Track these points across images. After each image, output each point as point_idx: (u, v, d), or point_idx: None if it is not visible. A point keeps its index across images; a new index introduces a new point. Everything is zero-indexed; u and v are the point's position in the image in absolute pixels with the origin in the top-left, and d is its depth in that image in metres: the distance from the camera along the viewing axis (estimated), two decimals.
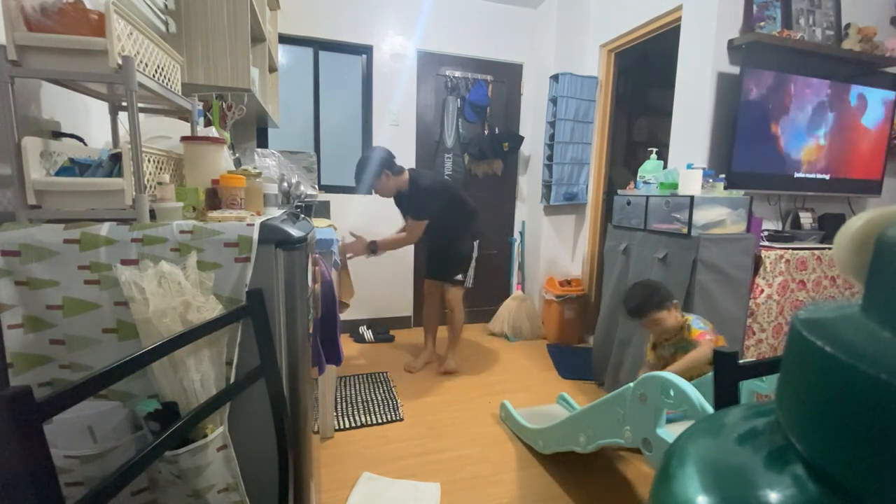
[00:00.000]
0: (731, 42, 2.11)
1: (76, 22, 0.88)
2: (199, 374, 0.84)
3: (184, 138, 1.19)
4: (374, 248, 2.46)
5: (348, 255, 2.45)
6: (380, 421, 2.06)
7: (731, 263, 1.86)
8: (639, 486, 1.65)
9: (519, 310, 3.28)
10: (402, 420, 2.08)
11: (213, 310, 0.87)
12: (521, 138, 3.41)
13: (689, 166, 1.97)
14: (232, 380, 0.91)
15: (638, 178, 2.27)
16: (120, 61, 0.86)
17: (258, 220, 0.96)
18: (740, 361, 0.81)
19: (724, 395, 0.79)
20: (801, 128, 2.19)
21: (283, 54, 2.89)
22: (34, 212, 0.87)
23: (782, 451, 0.36)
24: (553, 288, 3.13)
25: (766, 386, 1.30)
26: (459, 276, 2.64)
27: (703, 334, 1.58)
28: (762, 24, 2.13)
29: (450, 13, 3.20)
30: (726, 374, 0.79)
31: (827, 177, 2.29)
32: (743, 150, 2.09)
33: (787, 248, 2.06)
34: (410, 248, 3.36)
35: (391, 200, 3.30)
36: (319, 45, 3.05)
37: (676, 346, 1.67)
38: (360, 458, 1.78)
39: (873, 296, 0.35)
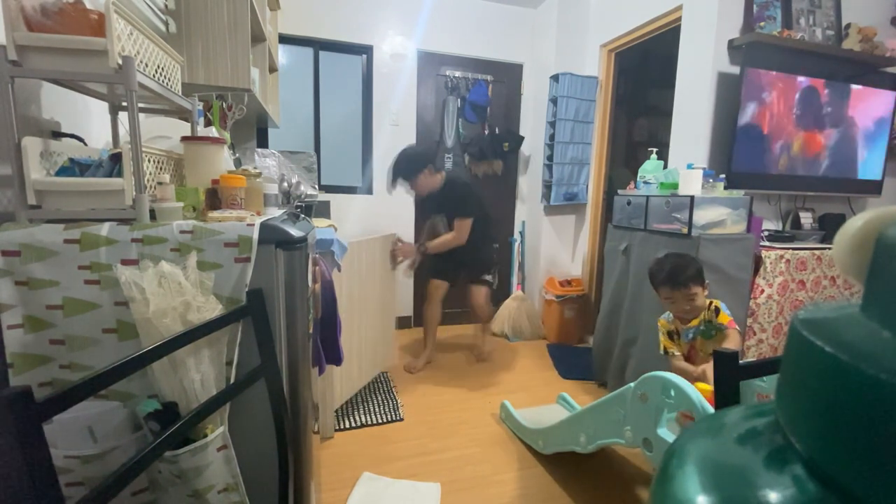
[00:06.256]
0: (731, 42, 2.11)
1: (76, 22, 0.88)
2: (199, 374, 0.84)
3: (184, 138, 1.19)
4: (423, 250, 2.47)
5: (399, 260, 2.46)
6: (380, 421, 2.05)
7: (731, 263, 1.86)
8: (639, 486, 1.65)
9: (519, 310, 3.28)
10: (402, 420, 2.08)
11: (213, 310, 0.87)
12: (521, 138, 3.41)
13: (690, 166, 1.97)
14: (232, 380, 0.91)
15: (638, 178, 2.27)
16: (120, 61, 0.86)
17: (258, 220, 0.96)
18: (741, 362, 0.81)
19: (725, 396, 0.79)
20: (801, 128, 2.19)
21: (283, 54, 2.89)
22: (34, 212, 0.87)
23: (782, 451, 0.36)
24: (553, 288, 3.13)
25: (766, 386, 1.29)
26: (487, 277, 2.65)
27: (733, 322, 1.52)
28: (762, 24, 2.13)
29: (450, 13, 3.20)
30: (726, 374, 0.79)
31: (827, 177, 2.29)
32: (743, 150, 2.09)
33: (788, 248, 2.06)
34: None
35: (389, 200, 3.30)
36: (319, 45, 3.05)
37: (697, 329, 1.59)
38: (360, 458, 1.78)
39: (873, 296, 0.35)
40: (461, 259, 2.59)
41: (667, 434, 1.18)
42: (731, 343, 1.48)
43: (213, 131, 1.67)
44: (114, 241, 0.85)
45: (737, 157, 2.08)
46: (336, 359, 1.64)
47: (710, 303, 1.59)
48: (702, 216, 1.85)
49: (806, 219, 2.36)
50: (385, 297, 2.42)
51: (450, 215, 2.49)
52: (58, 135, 1.11)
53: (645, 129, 3.99)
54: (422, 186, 2.44)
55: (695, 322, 1.61)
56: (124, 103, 1.18)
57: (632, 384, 1.29)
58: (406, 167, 2.39)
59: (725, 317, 1.54)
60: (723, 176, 2.00)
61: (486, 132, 3.38)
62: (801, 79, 2.14)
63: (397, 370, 2.63)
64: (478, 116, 3.37)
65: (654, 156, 2.29)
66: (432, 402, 2.27)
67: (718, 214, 1.87)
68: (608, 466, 1.77)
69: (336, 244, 1.66)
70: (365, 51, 3.13)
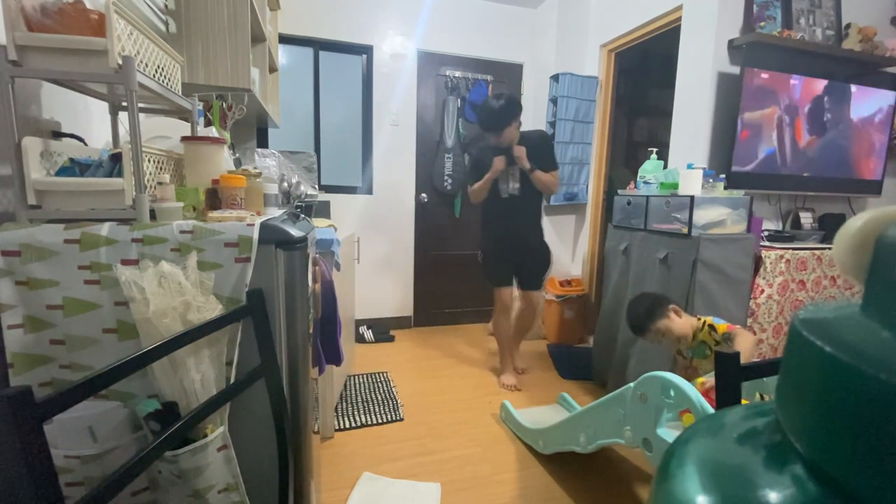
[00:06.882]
0: (731, 42, 2.11)
1: (76, 22, 0.88)
2: (199, 374, 0.84)
3: (184, 138, 1.19)
4: (533, 169, 2.31)
5: (518, 155, 2.30)
6: (380, 421, 2.05)
7: (731, 263, 1.86)
8: (639, 486, 1.65)
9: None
10: (402, 420, 2.08)
11: (214, 310, 0.87)
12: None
13: (690, 166, 1.97)
14: (232, 380, 0.91)
15: (638, 178, 2.27)
16: (120, 61, 0.86)
17: (258, 220, 0.96)
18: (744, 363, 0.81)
19: (726, 396, 0.79)
20: (801, 128, 2.19)
21: (283, 54, 2.89)
22: (34, 212, 0.87)
23: (782, 451, 0.36)
24: (553, 288, 3.13)
25: (768, 386, 1.30)
26: (545, 277, 2.57)
27: (732, 326, 1.50)
28: (762, 24, 2.13)
29: (450, 13, 3.20)
30: (728, 374, 0.79)
31: (827, 177, 2.29)
32: (743, 150, 2.09)
33: (788, 248, 2.06)
34: (410, 246, 3.36)
35: (389, 201, 3.30)
36: (319, 45, 3.05)
37: (694, 349, 1.59)
38: (360, 458, 1.78)
39: (873, 296, 0.35)
40: (524, 254, 2.48)
41: (666, 434, 1.18)
42: (743, 340, 1.43)
43: (213, 131, 1.67)
44: (114, 241, 0.85)
45: (737, 157, 2.08)
46: (336, 359, 1.64)
47: (703, 323, 1.57)
48: (702, 216, 1.85)
49: (806, 219, 2.36)
50: (345, 301, 2.32)
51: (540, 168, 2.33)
52: (58, 135, 1.11)
53: (645, 129, 3.99)
54: (508, 137, 2.30)
55: (691, 343, 1.61)
56: (124, 103, 1.18)
57: (632, 384, 1.29)
58: (500, 117, 2.25)
59: (722, 326, 1.52)
60: (723, 176, 2.00)
61: None
62: (800, 79, 2.14)
63: (397, 370, 2.63)
64: None
65: (654, 156, 2.29)
66: (432, 402, 2.27)
67: (718, 214, 1.87)
68: (608, 466, 1.77)
69: (335, 243, 1.66)
70: (365, 51, 3.13)
